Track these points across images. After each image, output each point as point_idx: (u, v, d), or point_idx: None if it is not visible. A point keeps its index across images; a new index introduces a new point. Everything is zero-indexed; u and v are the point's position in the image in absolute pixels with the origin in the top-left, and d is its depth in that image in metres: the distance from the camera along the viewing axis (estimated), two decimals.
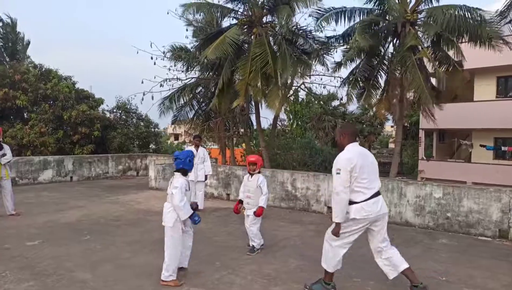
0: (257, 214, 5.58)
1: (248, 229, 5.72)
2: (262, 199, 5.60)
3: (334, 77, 14.76)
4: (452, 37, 11.29)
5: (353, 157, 3.92)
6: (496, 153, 20.18)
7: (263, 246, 5.88)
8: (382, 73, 13.31)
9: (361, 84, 13.28)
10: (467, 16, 11.08)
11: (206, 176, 8.96)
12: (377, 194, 4.02)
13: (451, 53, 12.06)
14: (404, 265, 4.17)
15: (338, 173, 3.90)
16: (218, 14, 13.41)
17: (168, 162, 12.57)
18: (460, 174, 18.78)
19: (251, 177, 5.73)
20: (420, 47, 11.45)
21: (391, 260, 4.18)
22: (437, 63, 12.29)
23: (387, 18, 12.49)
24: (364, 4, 12.31)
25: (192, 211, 4.51)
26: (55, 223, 7.49)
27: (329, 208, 8.75)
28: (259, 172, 5.75)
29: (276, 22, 12.93)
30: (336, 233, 4.02)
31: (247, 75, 12.05)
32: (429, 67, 12.57)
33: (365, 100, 13.66)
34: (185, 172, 4.65)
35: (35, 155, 14.98)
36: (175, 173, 4.67)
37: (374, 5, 12.26)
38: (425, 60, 11.96)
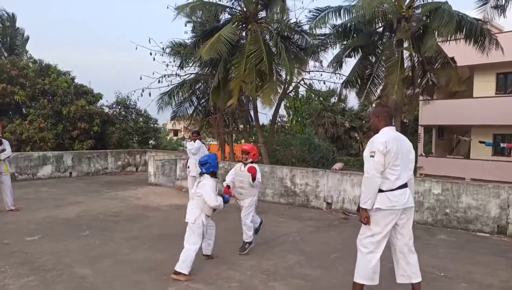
0: (249, 169, 5.35)
1: (242, 220, 5.64)
2: (258, 179, 5.43)
3: (334, 73, 14.71)
4: (438, 30, 11.21)
5: (389, 141, 3.67)
6: (495, 150, 20.21)
7: (259, 226, 5.85)
8: (383, 69, 13.29)
9: (359, 82, 13.27)
10: (454, 12, 11.13)
11: None
12: (404, 185, 3.75)
13: (445, 49, 12.06)
14: (418, 279, 3.91)
15: (372, 156, 3.64)
16: (213, 11, 13.31)
17: (167, 158, 12.57)
18: (459, 171, 18.82)
19: (244, 166, 5.52)
20: (407, 41, 11.39)
21: (410, 267, 3.89)
22: (415, 57, 12.26)
23: (384, 15, 12.45)
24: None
25: (222, 198, 4.84)
26: (54, 218, 7.49)
27: (328, 204, 8.77)
28: (252, 162, 5.54)
29: (270, 18, 12.87)
30: (365, 218, 3.70)
31: (241, 72, 11.98)
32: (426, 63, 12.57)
33: (365, 98, 13.65)
34: (214, 174, 4.95)
35: (34, 150, 14.98)
36: (204, 175, 4.89)
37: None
38: (417, 56, 11.93)
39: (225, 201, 4.90)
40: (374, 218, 3.72)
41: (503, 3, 11.15)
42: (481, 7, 11.50)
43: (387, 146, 3.65)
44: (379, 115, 3.91)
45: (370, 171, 3.65)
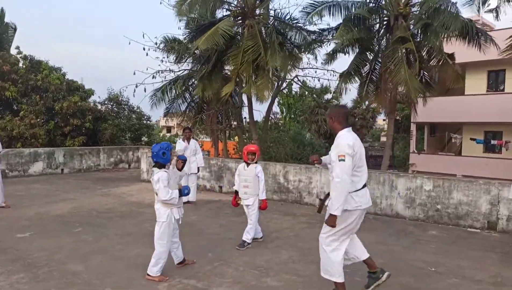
0: (262, 207, 5.64)
1: (248, 219, 5.67)
2: (262, 191, 5.61)
3: (328, 70, 14.76)
4: (440, 30, 11.36)
5: (355, 143, 3.63)
6: (486, 147, 20.43)
7: (261, 239, 5.91)
8: (378, 67, 13.36)
9: (356, 78, 13.32)
10: (451, 10, 11.29)
11: (198, 169, 8.95)
12: (365, 185, 3.79)
13: (443, 46, 12.16)
14: (366, 255, 4.00)
15: (342, 160, 3.52)
16: (211, 6, 13.28)
17: None
18: (451, 167, 19.01)
19: (247, 166, 5.66)
20: (409, 39, 11.49)
21: (361, 245, 4.05)
22: (425, 54, 12.39)
23: (381, 12, 12.52)
24: None
25: (178, 191, 4.43)
26: (46, 215, 7.44)
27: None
28: (255, 162, 5.71)
29: (266, 12, 12.92)
30: (333, 223, 3.62)
31: (238, 66, 12.02)
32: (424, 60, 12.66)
33: (364, 96, 13.72)
34: (160, 166, 4.40)
35: (26, 147, 14.82)
36: (153, 168, 4.47)
37: None
38: (417, 54, 12.01)
39: (184, 194, 4.48)
40: (341, 219, 3.65)
41: (495, 6, 11.27)
42: (470, 1, 11.61)
43: (354, 148, 3.59)
44: (332, 116, 3.81)
45: (341, 175, 3.52)
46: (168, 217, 4.40)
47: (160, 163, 4.39)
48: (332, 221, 3.61)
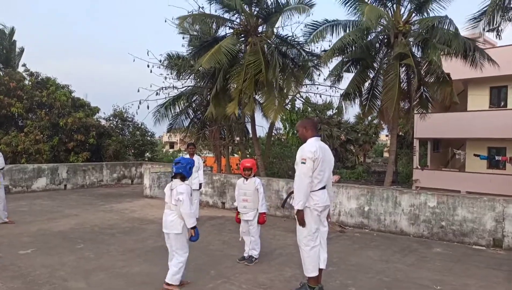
0: (260, 222, 5.56)
1: (247, 236, 5.63)
2: (262, 205, 5.58)
3: (330, 86, 14.87)
4: (439, 46, 11.47)
5: (317, 151, 4.15)
6: (490, 163, 20.34)
7: (256, 261, 5.82)
8: (380, 83, 13.46)
9: (357, 95, 13.43)
10: (448, 28, 11.46)
11: (200, 185, 8.95)
12: (324, 187, 4.30)
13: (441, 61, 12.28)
14: (322, 265, 4.35)
15: (303, 163, 4.13)
16: (214, 24, 13.49)
17: (163, 171, 12.53)
18: (454, 183, 18.88)
19: (246, 180, 5.67)
20: (408, 55, 11.60)
21: (325, 254, 4.42)
22: (424, 71, 12.51)
23: (380, 30, 12.70)
24: (355, 17, 12.58)
25: (195, 224, 4.51)
26: (48, 231, 7.42)
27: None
28: (253, 176, 5.70)
29: (269, 31, 13.11)
30: (301, 220, 4.19)
31: (240, 82, 12.13)
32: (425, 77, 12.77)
33: (367, 112, 13.79)
34: (183, 178, 4.57)
35: (30, 162, 14.88)
36: (173, 179, 4.60)
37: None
38: (416, 69, 12.12)
39: (192, 239, 4.52)
40: (306, 216, 4.21)
41: (496, 26, 11.34)
42: (474, 23, 11.69)
43: (316, 155, 4.12)
44: (306, 126, 4.38)
45: (301, 175, 4.13)
46: (183, 228, 4.49)
47: (183, 175, 4.58)
48: (300, 215, 4.20)
